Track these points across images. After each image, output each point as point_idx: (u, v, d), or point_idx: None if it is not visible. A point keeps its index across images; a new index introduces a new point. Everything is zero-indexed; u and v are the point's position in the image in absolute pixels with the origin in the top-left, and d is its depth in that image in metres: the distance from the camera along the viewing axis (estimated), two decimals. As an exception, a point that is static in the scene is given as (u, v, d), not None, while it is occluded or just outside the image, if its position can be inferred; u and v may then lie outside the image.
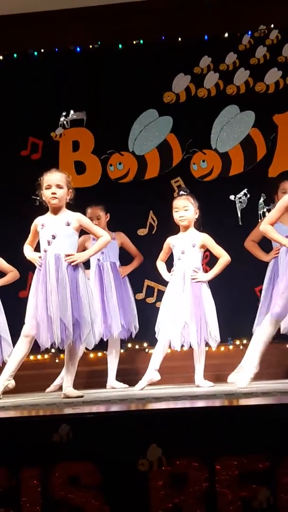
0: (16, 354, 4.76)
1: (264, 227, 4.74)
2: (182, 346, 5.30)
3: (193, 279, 5.38)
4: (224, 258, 5.47)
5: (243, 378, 4.59)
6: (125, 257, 6.17)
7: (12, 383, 4.73)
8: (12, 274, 5.71)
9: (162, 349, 5.29)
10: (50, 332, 4.66)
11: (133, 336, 6.07)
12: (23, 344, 4.74)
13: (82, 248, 5.54)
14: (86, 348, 5.25)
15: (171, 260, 5.62)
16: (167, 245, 5.59)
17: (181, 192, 5.58)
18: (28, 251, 4.95)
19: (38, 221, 4.90)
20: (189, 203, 5.44)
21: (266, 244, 5.75)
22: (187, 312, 5.29)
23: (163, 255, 5.64)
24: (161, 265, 5.64)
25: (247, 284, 6.26)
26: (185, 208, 5.44)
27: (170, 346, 5.36)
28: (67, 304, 4.67)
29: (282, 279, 4.73)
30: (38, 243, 4.91)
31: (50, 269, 4.74)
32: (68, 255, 4.77)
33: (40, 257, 4.80)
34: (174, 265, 5.49)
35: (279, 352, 5.72)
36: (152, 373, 5.22)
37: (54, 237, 4.80)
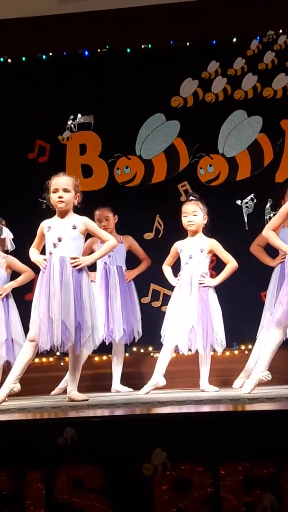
0: (21, 358, 4.76)
1: (267, 232, 4.74)
2: (189, 350, 5.30)
3: (200, 283, 5.38)
4: (231, 264, 5.48)
5: (247, 384, 4.58)
6: (132, 260, 6.16)
7: (17, 387, 4.73)
8: (27, 274, 5.64)
9: (168, 353, 5.28)
10: (50, 334, 4.66)
11: (136, 341, 6.07)
12: (28, 348, 4.74)
13: (90, 251, 5.55)
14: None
15: (176, 265, 5.61)
16: (174, 249, 5.59)
17: (191, 197, 5.59)
18: (33, 253, 4.95)
19: (45, 224, 4.91)
20: (198, 208, 5.45)
21: (272, 249, 5.73)
22: (194, 317, 5.29)
23: (169, 259, 5.64)
24: (167, 270, 5.64)
25: (253, 289, 6.26)
26: (194, 213, 5.45)
27: (175, 351, 5.35)
28: (70, 306, 4.66)
29: (284, 286, 4.72)
30: (44, 247, 4.92)
31: (54, 272, 4.74)
32: (73, 259, 4.77)
33: (45, 260, 4.80)
34: (181, 269, 5.49)
35: (285, 358, 5.70)
36: (158, 377, 5.21)
37: (60, 239, 4.80)
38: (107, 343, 5.87)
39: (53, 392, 5.80)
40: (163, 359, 5.26)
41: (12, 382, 4.70)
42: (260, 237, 5.88)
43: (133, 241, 6.19)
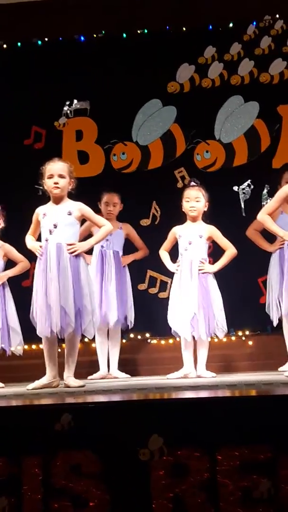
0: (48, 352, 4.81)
1: (262, 216, 4.69)
2: (193, 337, 5.31)
3: (200, 270, 5.38)
4: (230, 250, 5.49)
5: None
6: (130, 249, 6.15)
7: (57, 382, 4.78)
8: (23, 264, 5.64)
9: (189, 341, 5.30)
10: (49, 320, 4.66)
11: (130, 327, 6.06)
12: (44, 341, 4.78)
13: (87, 233, 5.53)
14: (86, 337, 5.24)
15: (173, 251, 5.61)
16: (172, 234, 5.59)
17: (192, 183, 5.58)
18: (29, 240, 4.95)
19: (40, 211, 4.90)
20: (201, 194, 5.46)
21: (269, 233, 5.72)
22: (195, 303, 5.30)
23: (167, 244, 5.64)
24: (165, 255, 5.64)
25: (250, 275, 6.26)
26: (197, 199, 5.46)
27: (174, 337, 5.37)
28: (69, 293, 4.66)
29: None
30: (40, 233, 4.91)
31: (51, 258, 4.73)
32: (70, 245, 4.77)
33: (41, 246, 4.79)
34: (180, 255, 5.48)
35: (280, 343, 5.72)
36: (190, 368, 5.28)
37: (55, 226, 4.79)
38: (100, 326, 5.87)
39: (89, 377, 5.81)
40: (187, 349, 5.29)
41: (53, 376, 4.75)
42: (257, 221, 5.84)
43: (132, 229, 6.17)
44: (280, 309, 5.40)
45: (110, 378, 5.83)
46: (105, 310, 5.79)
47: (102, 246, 5.91)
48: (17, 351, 5.51)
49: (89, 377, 5.72)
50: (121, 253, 6.04)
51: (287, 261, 5.27)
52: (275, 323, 5.67)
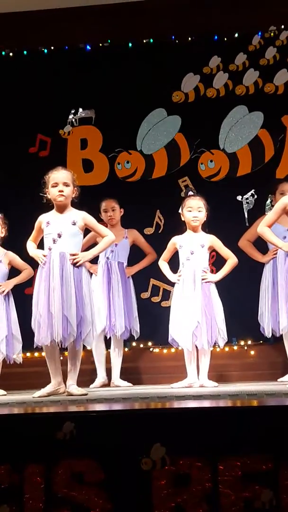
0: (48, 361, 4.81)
1: (262, 229, 4.76)
2: (196, 346, 5.30)
3: (202, 279, 5.39)
4: (232, 259, 5.50)
5: None
6: (138, 254, 6.14)
7: (63, 389, 4.79)
8: (27, 272, 5.65)
9: (190, 350, 5.29)
10: (50, 329, 4.67)
11: (136, 337, 6.07)
12: (46, 349, 4.79)
13: (92, 243, 5.53)
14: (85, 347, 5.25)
15: (172, 261, 5.61)
16: (172, 245, 5.58)
17: (190, 192, 5.60)
18: (31, 248, 4.96)
19: (43, 219, 4.91)
20: (202, 204, 5.47)
21: (261, 244, 5.74)
22: (198, 312, 5.30)
23: (167, 254, 5.63)
24: (164, 266, 5.63)
25: (251, 284, 6.26)
26: (199, 209, 5.46)
27: (176, 347, 5.37)
28: (72, 302, 4.67)
29: (282, 289, 4.74)
30: (41, 240, 4.92)
31: (54, 267, 4.74)
32: (73, 255, 4.77)
33: (44, 255, 4.80)
34: (182, 265, 5.48)
35: (281, 353, 5.72)
36: (194, 378, 5.27)
37: (60, 235, 4.80)
38: (107, 338, 5.89)
39: (92, 385, 5.81)
40: (189, 359, 5.28)
41: (58, 383, 4.76)
42: (249, 232, 5.89)
43: (138, 234, 6.19)
44: (273, 319, 5.46)
45: (113, 386, 5.83)
46: (113, 321, 5.81)
47: (107, 258, 5.92)
48: (18, 359, 5.52)
49: (91, 386, 5.72)
50: (125, 264, 6.05)
51: (279, 272, 5.31)
52: (267, 333, 5.68)
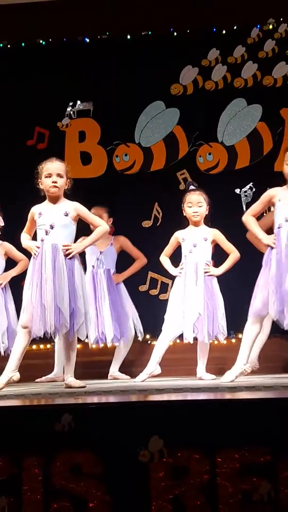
0: (17, 346, 4.73)
1: (246, 217, 4.78)
2: (195, 338, 5.29)
3: (205, 272, 5.37)
4: (234, 254, 5.50)
5: (229, 374, 4.59)
6: (127, 260, 6.13)
7: (17, 376, 4.72)
8: (24, 262, 5.60)
9: (166, 343, 5.26)
10: (43, 321, 4.65)
11: (141, 338, 6.09)
12: (22, 335, 4.70)
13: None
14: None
15: (174, 255, 5.59)
16: (175, 239, 5.54)
17: (191, 187, 5.56)
18: (25, 239, 4.93)
19: (35, 210, 4.88)
20: (203, 199, 5.44)
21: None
22: (200, 305, 5.28)
23: (169, 249, 5.59)
24: (166, 260, 5.59)
25: (249, 277, 6.24)
26: (199, 204, 5.43)
27: (176, 339, 5.35)
28: (64, 293, 4.65)
29: (261, 276, 4.75)
30: (35, 232, 4.90)
31: (46, 259, 4.71)
32: (65, 246, 4.75)
33: (37, 247, 4.77)
34: (184, 257, 5.45)
35: (280, 347, 5.73)
36: (153, 365, 5.21)
37: (52, 227, 4.77)
38: (100, 345, 5.90)
39: (39, 379, 5.79)
40: (160, 348, 5.24)
41: (11, 371, 4.69)
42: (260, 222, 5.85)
43: (125, 240, 6.13)
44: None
45: (111, 379, 5.84)
46: (101, 329, 5.81)
47: (92, 266, 5.92)
48: None
49: (37, 380, 5.77)
50: (113, 270, 6.02)
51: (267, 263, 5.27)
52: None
